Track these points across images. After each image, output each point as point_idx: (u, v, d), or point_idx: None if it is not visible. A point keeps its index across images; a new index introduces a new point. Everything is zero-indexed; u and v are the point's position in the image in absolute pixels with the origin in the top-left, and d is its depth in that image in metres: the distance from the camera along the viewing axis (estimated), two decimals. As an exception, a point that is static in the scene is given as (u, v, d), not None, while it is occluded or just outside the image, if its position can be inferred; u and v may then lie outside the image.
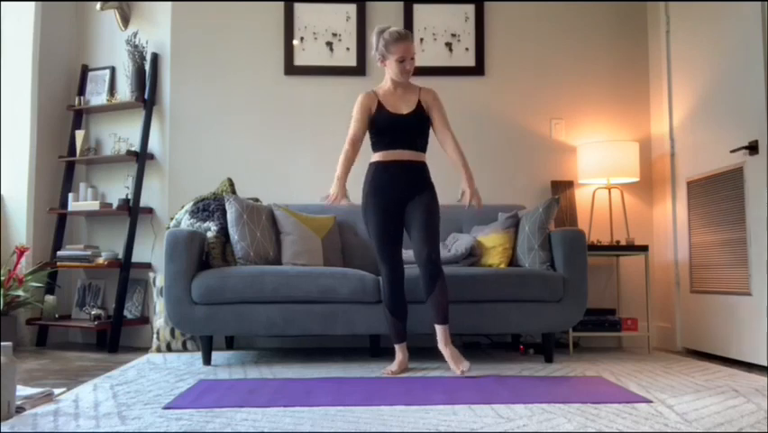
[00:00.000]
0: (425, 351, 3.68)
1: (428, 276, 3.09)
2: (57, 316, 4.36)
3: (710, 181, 3.80)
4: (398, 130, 3.20)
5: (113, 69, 4.64)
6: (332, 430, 2.02)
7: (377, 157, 3.24)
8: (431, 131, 3.29)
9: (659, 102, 4.42)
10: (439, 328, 3.10)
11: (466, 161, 3.23)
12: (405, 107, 3.22)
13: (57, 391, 2.62)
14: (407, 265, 3.29)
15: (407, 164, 3.20)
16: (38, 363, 3.61)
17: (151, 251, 4.42)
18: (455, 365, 3.05)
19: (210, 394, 2.59)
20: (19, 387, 2.45)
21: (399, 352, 3.23)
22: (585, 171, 4.30)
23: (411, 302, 3.23)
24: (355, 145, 3.24)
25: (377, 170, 3.22)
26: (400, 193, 3.19)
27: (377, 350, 3.77)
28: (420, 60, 4.45)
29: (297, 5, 4.48)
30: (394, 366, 3.17)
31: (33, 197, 4.44)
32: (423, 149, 3.27)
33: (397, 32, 3.19)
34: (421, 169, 3.24)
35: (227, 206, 3.64)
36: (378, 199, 3.19)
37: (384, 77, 3.31)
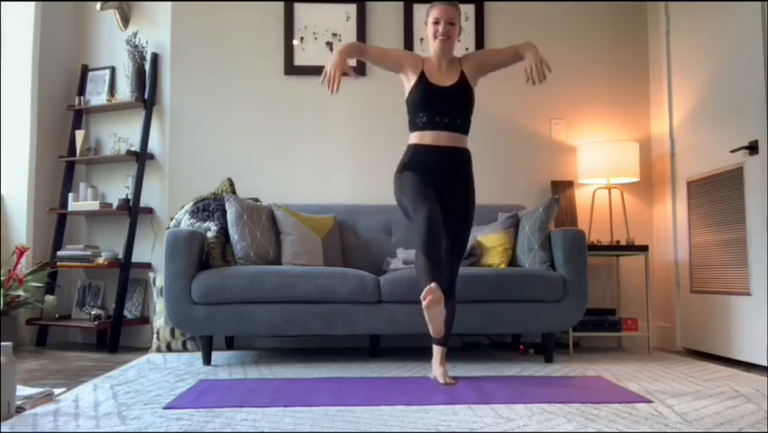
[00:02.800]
0: (424, 351, 3.67)
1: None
2: (57, 316, 4.36)
3: (710, 181, 3.80)
4: (438, 105, 2.93)
5: (113, 69, 4.64)
6: (332, 430, 2.02)
7: (413, 139, 2.98)
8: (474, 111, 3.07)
9: (659, 102, 4.42)
10: (437, 349, 2.95)
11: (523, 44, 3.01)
12: (448, 80, 2.98)
13: (57, 391, 2.62)
14: (409, 267, 3.16)
15: (448, 150, 2.94)
16: (38, 363, 3.61)
17: (151, 251, 4.42)
18: (441, 377, 2.86)
19: (210, 394, 2.59)
20: (19, 387, 2.45)
21: (435, 289, 2.59)
22: (585, 171, 4.30)
23: (416, 302, 3.18)
24: (364, 50, 3.12)
25: (414, 152, 2.97)
26: (439, 176, 2.92)
27: (377, 350, 3.77)
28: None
29: (297, 5, 4.48)
30: (427, 299, 2.57)
31: (33, 197, 4.44)
32: (465, 130, 3.00)
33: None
34: (463, 157, 3.00)
35: (227, 206, 3.64)
36: (415, 169, 2.91)
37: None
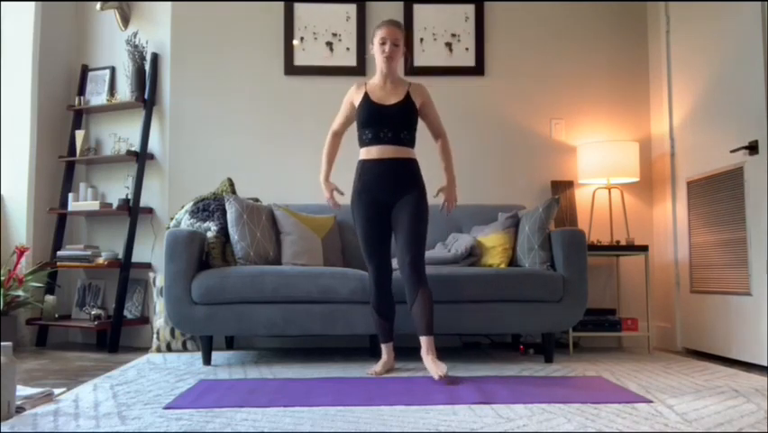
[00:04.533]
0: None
1: (410, 284, 3.00)
2: (57, 316, 4.36)
3: (710, 181, 3.80)
4: (382, 122, 3.13)
5: (113, 69, 4.64)
6: (332, 430, 2.02)
7: (362, 155, 3.20)
8: (420, 126, 3.25)
9: (659, 102, 4.42)
10: (423, 339, 2.97)
11: (451, 166, 3.30)
12: (392, 99, 3.17)
13: (57, 391, 2.62)
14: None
15: (393, 162, 3.13)
16: (38, 363, 3.61)
17: (151, 251, 4.42)
18: (434, 372, 2.86)
19: (210, 394, 2.59)
20: (19, 387, 2.45)
21: (385, 352, 3.22)
22: (585, 171, 4.30)
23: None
24: (335, 139, 3.39)
25: (363, 169, 3.18)
26: (386, 195, 3.14)
27: (377, 350, 3.76)
28: (420, 60, 4.46)
29: (297, 5, 4.48)
30: (378, 367, 3.16)
31: (33, 197, 4.44)
32: (409, 143, 3.18)
33: (385, 20, 3.25)
34: (409, 166, 3.16)
35: (227, 206, 3.65)
36: (363, 200, 3.16)
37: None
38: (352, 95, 3.28)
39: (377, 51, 3.19)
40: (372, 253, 3.16)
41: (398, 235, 3.11)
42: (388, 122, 3.13)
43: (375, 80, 3.25)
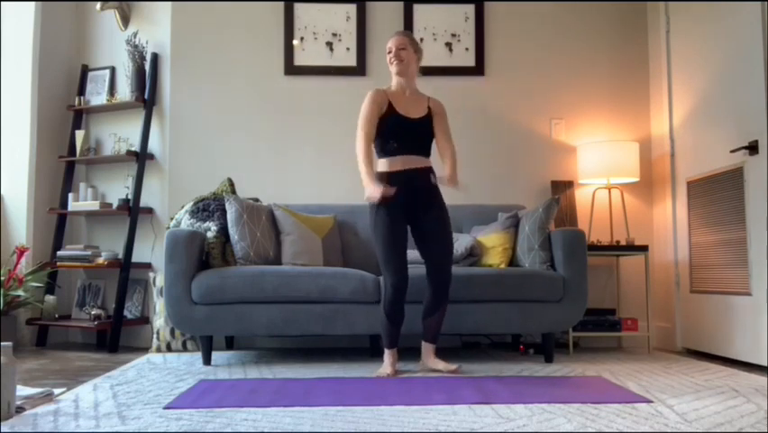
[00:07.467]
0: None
1: (436, 300, 3.16)
2: (57, 316, 4.36)
3: (710, 181, 3.80)
4: (409, 135, 3.18)
5: (113, 69, 4.64)
6: (332, 430, 2.02)
7: (383, 166, 3.19)
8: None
9: (659, 102, 4.42)
10: (430, 346, 3.24)
11: (455, 167, 3.30)
12: (415, 112, 3.22)
13: (57, 391, 2.62)
14: (411, 265, 3.21)
15: (416, 172, 3.17)
16: (38, 363, 3.61)
17: (151, 251, 4.42)
18: (444, 367, 3.19)
19: (210, 394, 2.59)
20: (19, 387, 2.45)
21: (389, 356, 3.17)
22: (585, 171, 4.30)
23: (411, 302, 3.20)
24: (369, 143, 3.18)
25: (387, 180, 3.14)
26: (410, 201, 3.15)
27: (377, 350, 3.76)
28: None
29: (297, 5, 4.48)
30: (389, 368, 3.12)
31: (33, 197, 4.44)
32: (428, 154, 3.26)
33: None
34: (429, 175, 3.21)
35: (227, 206, 3.65)
36: (387, 209, 3.10)
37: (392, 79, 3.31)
38: (379, 101, 3.19)
39: (389, 64, 3.26)
40: (393, 261, 3.10)
41: (432, 251, 3.17)
42: (416, 136, 3.20)
43: (394, 90, 3.26)
